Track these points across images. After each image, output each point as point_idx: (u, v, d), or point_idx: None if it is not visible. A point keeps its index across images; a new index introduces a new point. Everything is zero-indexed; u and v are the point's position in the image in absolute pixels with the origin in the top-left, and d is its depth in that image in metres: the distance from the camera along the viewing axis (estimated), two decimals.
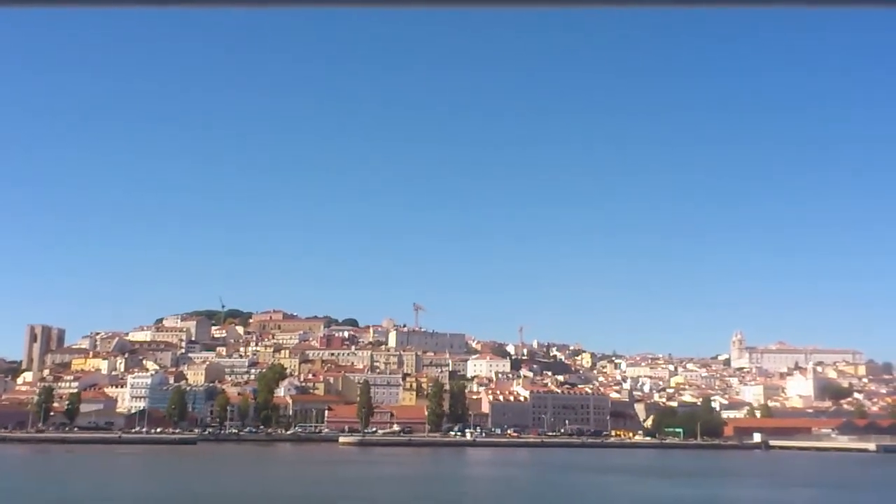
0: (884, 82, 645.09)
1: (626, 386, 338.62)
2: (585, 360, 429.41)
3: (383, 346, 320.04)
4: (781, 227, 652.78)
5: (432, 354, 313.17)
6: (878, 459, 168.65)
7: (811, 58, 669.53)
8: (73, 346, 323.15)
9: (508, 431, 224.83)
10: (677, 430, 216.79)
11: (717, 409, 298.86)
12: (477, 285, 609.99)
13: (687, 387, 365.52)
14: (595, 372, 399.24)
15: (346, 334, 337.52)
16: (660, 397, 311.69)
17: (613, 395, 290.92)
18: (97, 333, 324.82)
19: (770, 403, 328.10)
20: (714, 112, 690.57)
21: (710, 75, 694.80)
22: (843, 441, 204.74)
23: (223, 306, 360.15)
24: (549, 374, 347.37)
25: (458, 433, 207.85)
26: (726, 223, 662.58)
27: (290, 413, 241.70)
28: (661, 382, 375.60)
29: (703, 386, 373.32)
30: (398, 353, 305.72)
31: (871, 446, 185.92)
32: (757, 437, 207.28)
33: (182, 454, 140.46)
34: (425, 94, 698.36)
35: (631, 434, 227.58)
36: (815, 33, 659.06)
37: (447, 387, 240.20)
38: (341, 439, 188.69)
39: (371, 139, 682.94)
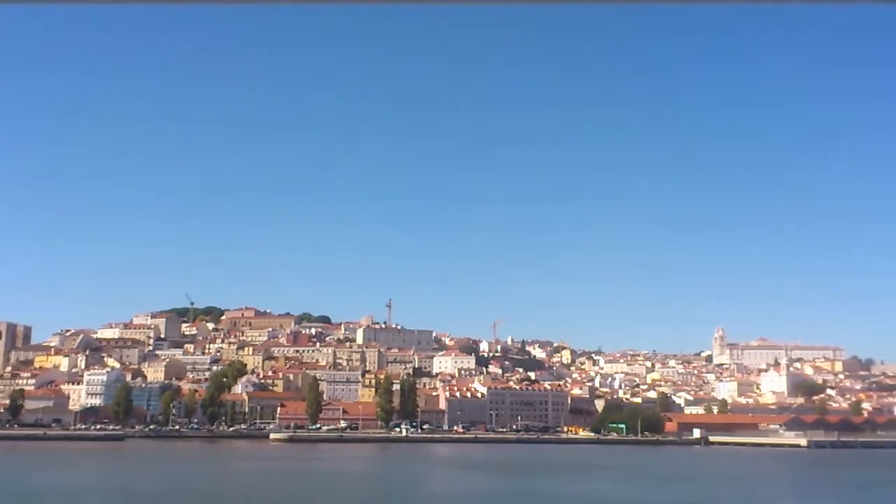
0: (867, 81, 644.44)
1: (596, 383, 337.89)
2: (565, 356, 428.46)
3: (347, 343, 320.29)
4: (769, 223, 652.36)
5: (396, 351, 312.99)
6: (801, 454, 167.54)
7: (798, 55, 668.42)
8: (45, 343, 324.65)
9: (455, 428, 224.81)
10: (620, 425, 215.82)
11: (682, 404, 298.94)
12: (462, 283, 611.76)
13: (662, 383, 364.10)
14: (573, 369, 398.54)
15: (312, 331, 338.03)
16: (624, 394, 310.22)
17: (576, 391, 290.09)
18: (68, 331, 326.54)
19: (744, 399, 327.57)
20: (698, 109, 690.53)
21: (695, 71, 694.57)
22: (788, 437, 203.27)
23: (192, 303, 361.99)
24: (521, 370, 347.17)
25: (402, 429, 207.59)
26: (713, 219, 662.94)
27: (246, 410, 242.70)
28: (636, 379, 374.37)
29: (679, 382, 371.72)
30: (361, 349, 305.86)
31: (803, 441, 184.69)
32: (696, 433, 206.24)
33: (87, 451, 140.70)
34: (400, 91, 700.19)
35: (578, 430, 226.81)
36: (812, 29, 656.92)
37: (396, 383, 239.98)
38: (272, 435, 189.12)
39: (367, 136, 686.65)
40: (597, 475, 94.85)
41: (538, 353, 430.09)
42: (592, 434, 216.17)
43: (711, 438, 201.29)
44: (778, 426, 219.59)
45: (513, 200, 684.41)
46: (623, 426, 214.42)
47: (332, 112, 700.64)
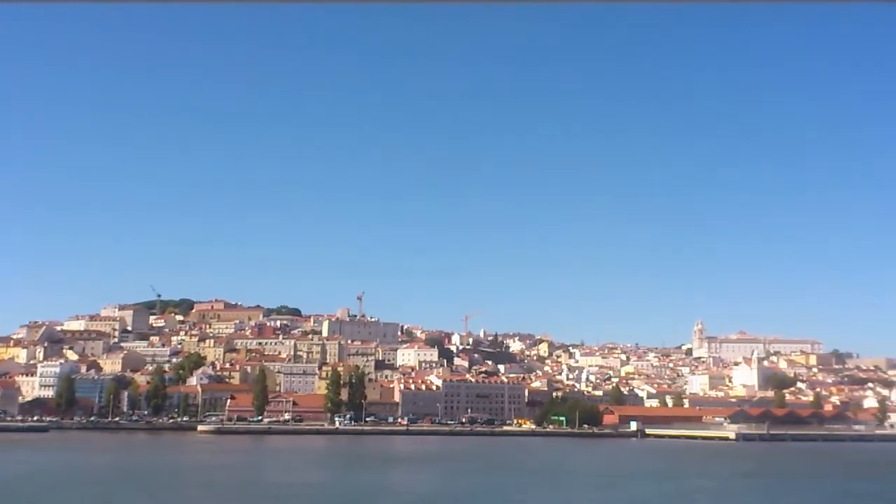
0: (853, 78, 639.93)
1: (563, 376, 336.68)
2: (542, 349, 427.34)
3: (310, 336, 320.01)
4: (757, 218, 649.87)
5: (359, 344, 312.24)
6: (724, 446, 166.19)
7: (782, 51, 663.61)
8: (13, 336, 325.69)
9: (400, 420, 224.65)
10: (560, 418, 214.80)
11: (644, 397, 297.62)
12: (446, 278, 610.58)
13: (635, 376, 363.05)
14: (548, 362, 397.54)
15: (278, 323, 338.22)
16: (586, 387, 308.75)
17: (536, 384, 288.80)
18: (35, 322, 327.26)
19: (714, 393, 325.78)
20: (685, 106, 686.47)
21: (684, 68, 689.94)
22: (729, 429, 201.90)
23: (158, 295, 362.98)
24: (490, 363, 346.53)
25: (336, 421, 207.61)
26: (702, 215, 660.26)
27: (200, 402, 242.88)
28: (610, 372, 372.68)
29: (652, 375, 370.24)
30: (321, 342, 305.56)
31: (731, 434, 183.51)
32: (633, 426, 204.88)
33: None
34: (378, 86, 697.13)
35: (524, 422, 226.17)
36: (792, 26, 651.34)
37: (343, 375, 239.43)
38: (199, 427, 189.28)
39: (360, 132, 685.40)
40: (422, 467, 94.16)
41: (517, 345, 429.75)
42: (534, 426, 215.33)
43: (648, 431, 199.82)
44: (723, 419, 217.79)
45: (499, 195, 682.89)
46: (563, 419, 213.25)
47: (312, 107, 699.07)
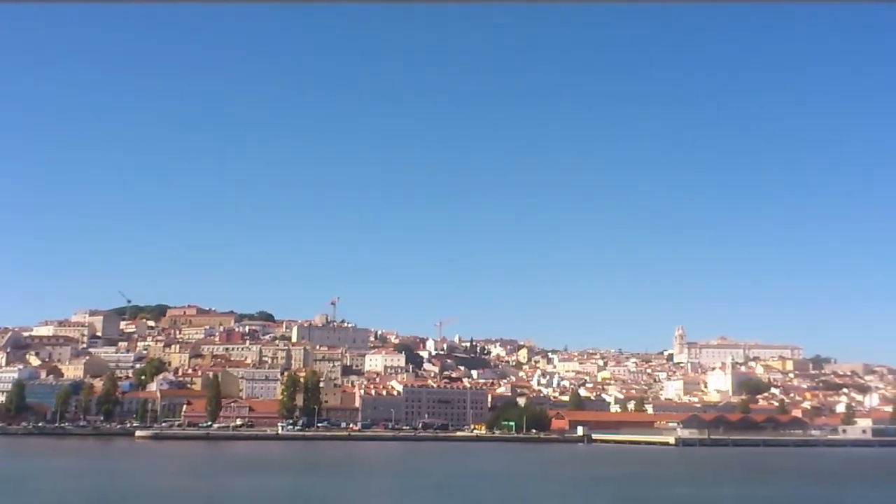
0: (833, 82, 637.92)
1: (534, 382, 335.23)
2: (522, 355, 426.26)
3: (276, 341, 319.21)
4: (747, 223, 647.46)
5: (326, 349, 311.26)
6: (660, 451, 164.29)
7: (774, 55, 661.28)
8: None
9: (350, 426, 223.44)
10: (510, 423, 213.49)
11: (612, 402, 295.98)
12: (430, 282, 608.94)
13: (612, 382, 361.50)
14: (526, 367, 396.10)
15: (246, 329, 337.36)
16: (553, 392, 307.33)
17: (500, 390, 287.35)
18: (4, 328, 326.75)
19: (688, 398, 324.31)
20: (671, 110, 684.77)
21: (666, 69, 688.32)
22: (671, 435, 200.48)
23: (129, 301, 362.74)
24: (464, 368, 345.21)
25: (279, 427, 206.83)
26: (692, 220, 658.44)
27: (158, 407, 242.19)
28: (586, 377, 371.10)
29: (629, 381, 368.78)
30: (286, 347, 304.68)
31: (671, 440, 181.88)
32: (580, 431, 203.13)
33: None
34: (360, 88, 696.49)
35: (478, 427, 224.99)
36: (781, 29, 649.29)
37: (301, 380, 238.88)
38: (137, 433, 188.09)
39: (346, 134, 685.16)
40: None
41: (499, 351, 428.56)
42: (484, 432, 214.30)
43: (595, 436, 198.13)
44: (676, 424, 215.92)
45: (489, 201, 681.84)
46: (513, 424, 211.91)
47: (294, 111, 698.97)
